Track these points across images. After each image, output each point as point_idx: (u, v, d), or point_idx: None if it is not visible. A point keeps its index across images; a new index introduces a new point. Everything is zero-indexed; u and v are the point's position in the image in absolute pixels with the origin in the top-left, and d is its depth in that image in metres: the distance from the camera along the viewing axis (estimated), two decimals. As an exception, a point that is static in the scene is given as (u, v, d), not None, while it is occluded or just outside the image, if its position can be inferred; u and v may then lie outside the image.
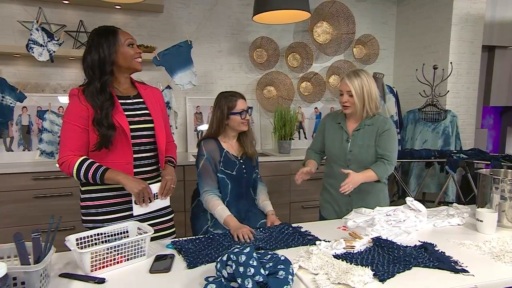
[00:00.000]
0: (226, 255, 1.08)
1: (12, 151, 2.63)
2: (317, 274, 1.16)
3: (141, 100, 1.57)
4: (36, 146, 2.60)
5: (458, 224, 1.68)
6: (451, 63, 3.13)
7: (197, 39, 3.19)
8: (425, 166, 2.92)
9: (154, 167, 1.60)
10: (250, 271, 1.02)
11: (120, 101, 1.50)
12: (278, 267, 1.07)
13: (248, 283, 1.00)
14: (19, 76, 2.78)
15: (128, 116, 1.49)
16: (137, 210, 1.49)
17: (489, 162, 2.39)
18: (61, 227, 1.98)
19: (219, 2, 3.24)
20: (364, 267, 1.17)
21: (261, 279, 1.02)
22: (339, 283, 1.08)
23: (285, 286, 1.02)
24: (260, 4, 2.37)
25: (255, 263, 1.04)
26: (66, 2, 2.81)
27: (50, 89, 2.83)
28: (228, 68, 3.37)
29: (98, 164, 1.43)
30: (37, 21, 2.36)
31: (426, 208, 1.92)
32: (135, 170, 1.51)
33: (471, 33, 3.27)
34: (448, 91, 3.17)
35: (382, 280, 1.12)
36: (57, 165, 1.47)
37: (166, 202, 1.58)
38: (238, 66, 3.40)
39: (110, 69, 1.46)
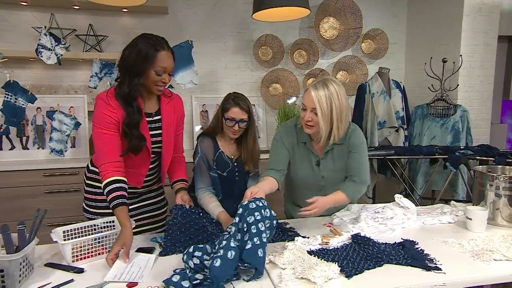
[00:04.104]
0: (193, 246, 1.13)
1: (28, 149, 2.80)
2: (284, 269, 1.17)
3: (159, 117, 1.56)
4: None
5: (449, 222, 1.63)
6: (461, 55, 3.00)
7: (202, 39, 3.25)
8: (430, 163, 2.83)
9: (155, 175, 1.65)
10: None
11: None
12: (246, 239, 1.15)
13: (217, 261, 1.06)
14: (34, 79, 2.95)
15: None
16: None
17: (493, 159, 2.29)
18: (68, 222, 2.11)
19: (223, 1, 3.28)
20: (333, 263, 1.17)
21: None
22: (302, 278, 1.09)
23: (259, 250, 1.12)
24: (259, 1, 2.38)
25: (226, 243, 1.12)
26: (77, 7, 2.94)
27: (62, 91, 2.99)
28: (233, 66, 3.41)
29: (118, 194, 1.37)
30: (45, 27, 2.50)
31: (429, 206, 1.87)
32: None
33: (485, 23, 3.12)
34: (458, 85, 3.04)
35: (348, 276, 1.12)
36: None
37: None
38: (243, 64, 3.43)
39: (140, 81, 1.42)
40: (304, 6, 2.35)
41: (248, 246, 1.12)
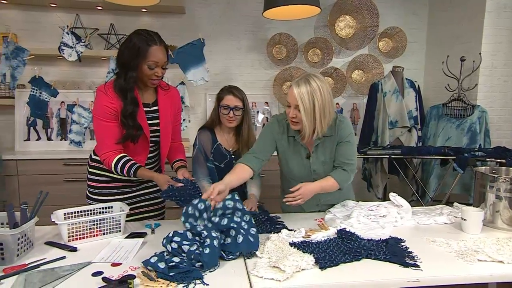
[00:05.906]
0: (172, 231, 1.18)
1: (52, 140, 3.00)
2: (261, 257, 1.21)
3: (156, 108, 1.65)
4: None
5: (445, 223, 1.59)
6: (480, 54, 2.88)
7: (217, 37, 3.33)
8: (441, 164, 2.73)
9: (154, 164, 1.74)
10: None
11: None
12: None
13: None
14: (60, 75, 3.15)
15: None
16: None
17: (504, 161, 2.18)
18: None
19: (238, 0, 3.34)
20: (309, 254, 1.19)
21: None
22: (274, 267, 1.12)
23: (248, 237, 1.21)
24: (268, 0, 2.41)
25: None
26: (100, 8, 3.11)
27: (85, 86, 3.18)
28: (247, 64, 3.46)
29: (131, 163, 1.53)
30: (67, 26, 2.67)
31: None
32: None
33: (510, 20, 2.97)
34: (476, 84, 2.92)
35: (322, 267, 1.13)
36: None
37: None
38: (257, 62, 3.48)
39: (134, 75, 1.50)
40: (313, 4, 2.35)
41: (240, 240, 1.21)
